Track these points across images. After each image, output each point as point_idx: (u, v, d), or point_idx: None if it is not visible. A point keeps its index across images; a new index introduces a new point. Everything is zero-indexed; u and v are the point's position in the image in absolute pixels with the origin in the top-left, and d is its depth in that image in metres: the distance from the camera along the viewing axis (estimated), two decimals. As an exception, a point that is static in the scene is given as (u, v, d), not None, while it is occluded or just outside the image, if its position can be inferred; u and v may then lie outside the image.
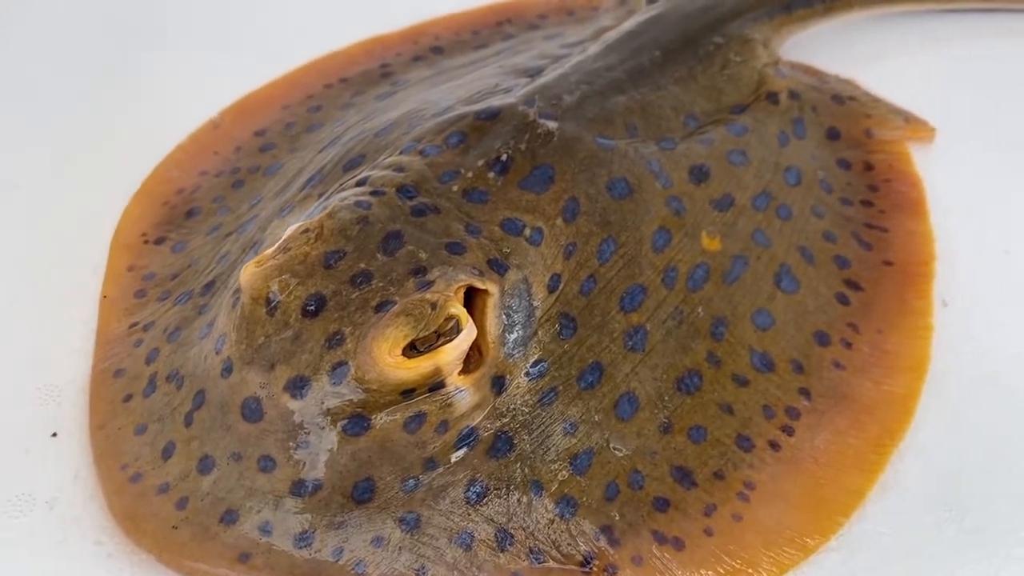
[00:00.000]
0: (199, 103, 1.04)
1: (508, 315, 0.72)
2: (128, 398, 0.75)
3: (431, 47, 1.11)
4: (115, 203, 0.93)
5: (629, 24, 1.01)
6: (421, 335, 0.66)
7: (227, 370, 0.69)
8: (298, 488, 0.67)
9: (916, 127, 1.02)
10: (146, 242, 0.89)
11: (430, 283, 0.69)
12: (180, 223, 0.91)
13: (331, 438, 0.67)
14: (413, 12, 1.17)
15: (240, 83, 1.07)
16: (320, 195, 0.82)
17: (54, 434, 0.77)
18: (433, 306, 0.67)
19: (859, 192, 0.95)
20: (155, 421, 0.73)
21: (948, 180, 0.98)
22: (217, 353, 0.71)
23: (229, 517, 0.67)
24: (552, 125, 0.82)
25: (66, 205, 0.97)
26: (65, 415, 0.78)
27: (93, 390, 0.77)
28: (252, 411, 0.67)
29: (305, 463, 0.67)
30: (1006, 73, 1.11)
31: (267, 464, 0.67)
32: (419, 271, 0.70)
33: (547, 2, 1.18)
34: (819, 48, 1.14)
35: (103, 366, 0.79)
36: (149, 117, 1.06)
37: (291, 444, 0.67)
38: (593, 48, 0.97)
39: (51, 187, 1.00)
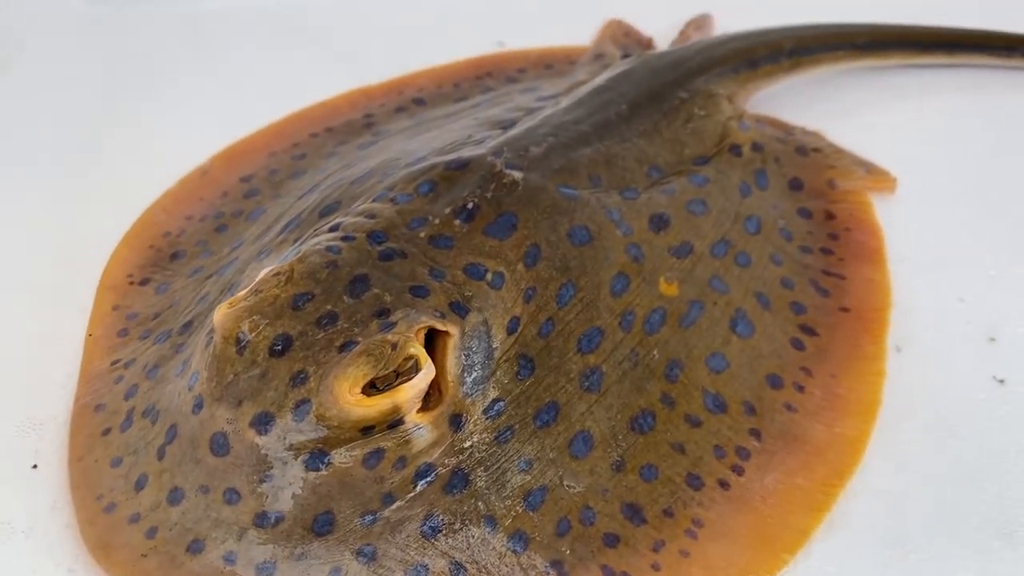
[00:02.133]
0: (189, 150, 1.09)
1: (468, 356, 0.75)
2: (106, 432, 0.79)
3: (413, 98, 1.16)
4: (105, 245, 0.98)
5: (599, 79, 1.06)
6: (381, 374, 0.70)
7: (198, 406, 0.73)
8: (261, 520, 0.70)
9: (878, 178, 1.06)
10: (131, 283, 0.93)
11: (392, 324, 0.72)
12: (165, 265, 0.96)
13: (293, 472, 0.70)
14: (399, 64, 1.22)
15: (229, 131, 1.12)
16: (296, 240, 0.86)
17: (34, 466, 0.80)
18: (393, 346, 0.70)
19: (819, 240, 0.98)
20: (130, 454, 0.76)
21: (907, 229, 1.02)
22: (189, 390, 0.75)
23: (195, 547, 0.70)
24: (518, 175, 0.86)
25: (58, 247, 1.01)
26: (46, 448, 0.81)
27: (74, 424, 0.81)
28: (220, 446, 0.71)
29: (268, 496, 0.70)
30: (965, 127, 1.16)
31: (232, 496, 0.70)
32: (382, 313, 0.73)
33: (526, 56, 1.24)
34: (787, 101, 1.18)
35: (84, 401, 0.82)
36: (140, 163, 1.11)
37: (255, 478, 0.70)
38: (564, 102, 1.01)
39: (44, 229, 1.04)
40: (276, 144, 1.09)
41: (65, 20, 1.28)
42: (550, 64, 1.22)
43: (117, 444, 0.77)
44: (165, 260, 0.96)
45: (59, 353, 0.89)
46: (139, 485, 0.74)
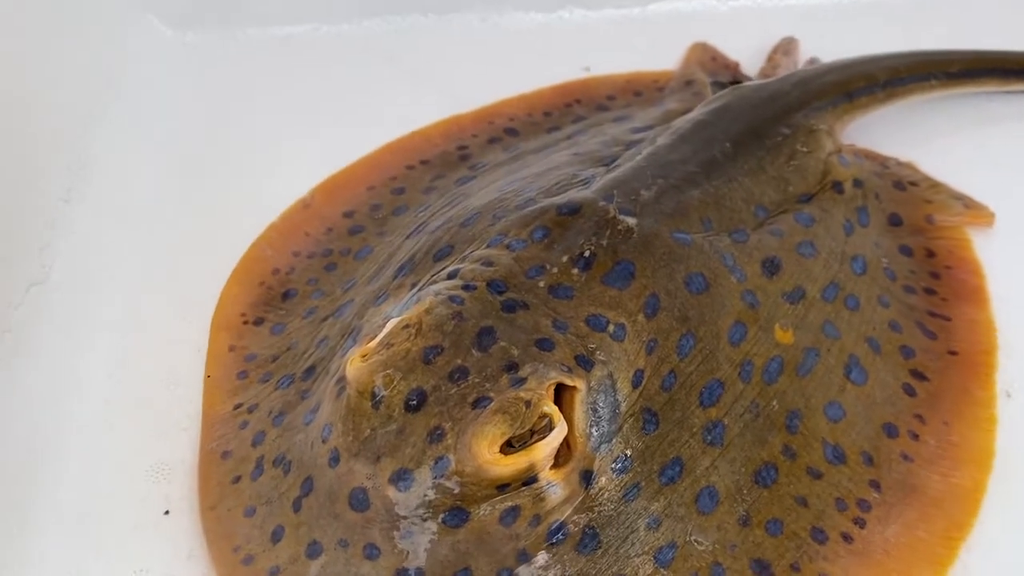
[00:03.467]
0: (286, 180, 1.09)
1: (594, 410, 0.76)
2: (237, 480, 0.80)
3: (505, 128, 1.16)
4: (213, 281, 0.98)
5: (696, 113, 1.05)
6: (517, 433, 0.71)
7: (334, 460, 0.74)
8: None
9: (976, 212, 1.05)
10: (245, 323, 0.95)
11: (523, 380, 0.73)
12: (277, 304, 0.97)
13: (432, 529, 0.71)
14: (485, 88, 1.22)
15: (325, 159, 1.12)
16: (413, 284, 0.87)
17: (166, 512, 0.82)
18: (527, 404, 0.71)
19: (922, 279, 0.98)
20: (263, 504, 0.78)
21: (1007, 265, 1.00)
22: (324, 442, 0.76)
23: (335, 601, 0.71)
24: (631, 221, 0.86)
25: (165, 283, 1.03)
26: (176, 493, 0.83)
27: (202, 470, 0.82)
28: (359, 501, 0.72)
29: (408, 552, 0.71)
30: (1063, 156, 1.14)
31: (372, 552, 0.72)
32: (512, 367, 0.74)
33: (613, 82, 1.23)
34: (878, 129, 1.16)
35: (210, 447, 0.84)
36: (240, 193, 1.11)
37: (395, 533, 0.71)
38: (664, 139, 1.00)
39: (150, 264, 1.05)
40: (374, 177, 1.09)
41: (157, 50, 1.28)
42: (639, 91, 1.22)
43: (249, 493, 0.79)
44: (277, 299, 0.97)
45: (180, 395, 0.90)
46: (275, 537, 0.75)
